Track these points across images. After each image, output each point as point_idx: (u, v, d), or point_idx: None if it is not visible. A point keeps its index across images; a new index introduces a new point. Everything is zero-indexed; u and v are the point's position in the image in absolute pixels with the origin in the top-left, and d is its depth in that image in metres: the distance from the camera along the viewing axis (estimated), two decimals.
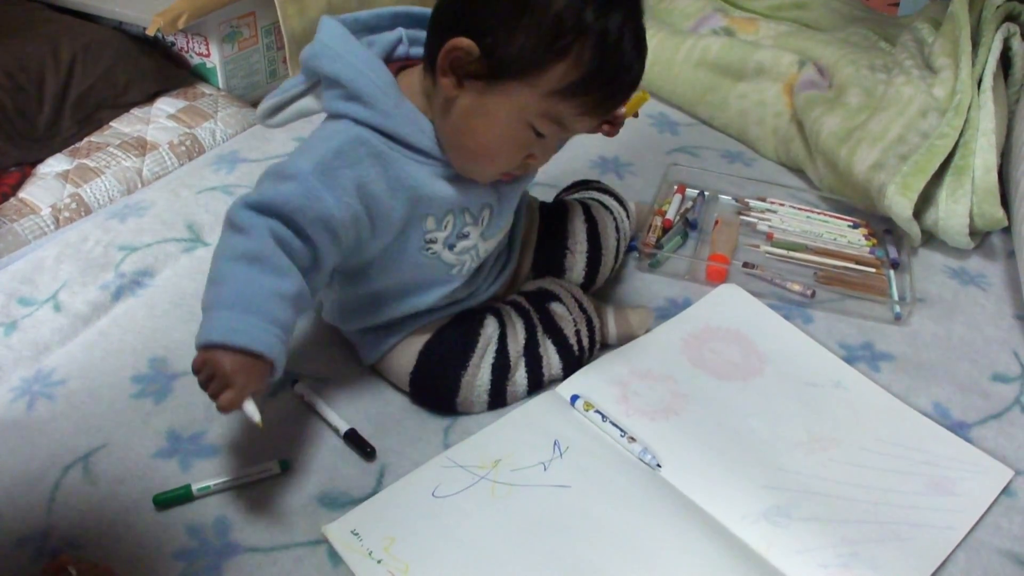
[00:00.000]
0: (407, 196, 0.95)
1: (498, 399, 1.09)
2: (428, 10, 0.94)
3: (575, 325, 1.12)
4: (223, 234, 0.92)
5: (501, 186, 1.01)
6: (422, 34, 0.96)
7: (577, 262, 1.20)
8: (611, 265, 1.23)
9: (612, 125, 1.07)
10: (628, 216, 1.28)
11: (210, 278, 0.90)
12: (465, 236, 1.02)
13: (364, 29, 0.98)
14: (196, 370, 0.88)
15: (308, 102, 0.99)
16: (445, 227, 1.00)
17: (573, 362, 1.13)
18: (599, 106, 0.90)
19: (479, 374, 1.07)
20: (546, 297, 1.14)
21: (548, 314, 1.12)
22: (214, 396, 0.87)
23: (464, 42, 0.85)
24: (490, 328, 1.08)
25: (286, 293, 0.89)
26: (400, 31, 0.99)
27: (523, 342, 1.09)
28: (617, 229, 1.23)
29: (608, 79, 0.88)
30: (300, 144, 0.95)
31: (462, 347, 1.07)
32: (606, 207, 1.24)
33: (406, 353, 1.08)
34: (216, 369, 0.86)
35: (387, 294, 1.05)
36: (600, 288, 1.27)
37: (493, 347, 1.07)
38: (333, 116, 0.94)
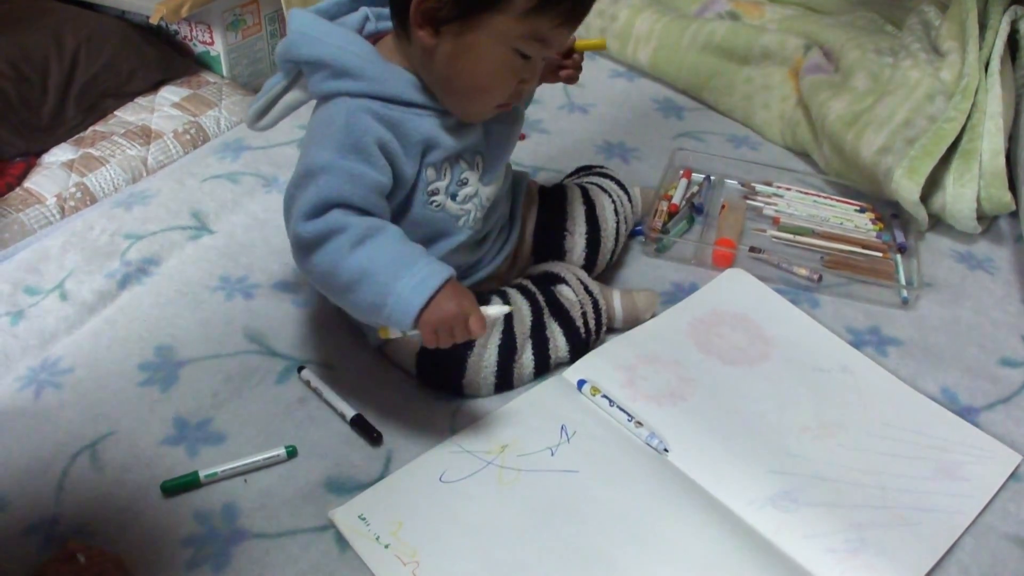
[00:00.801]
0: (416, 151, 0.97)
1: (505, 381, 1.09)
2: None
3: (581, 308, 1.12)
4: (313, 259, 0.93)
5: (490, 128, 1.03)
6: (385, 9, 0.99)
7: (577, 244, 1.20)
8: (611, 247, 1.23)
9: (572, 69, 1.11)
10: (630, 200, 1.29)
11: (355, 282, 0.91)
12: (464, 183, 1.02)
13: (328, 18, 0.99)
14: (434, 345, 0.92)
15: (294, 95, 1.01)
16: (444, 176, 1.00)
17: (580, 345, 1.12)
18: (575, 10, 0.92)
19: (485, 355, 1.07)
20: (552, 280, 1.14)
21: (554, 297, 1.12)
22: (466, 335, 0.92)
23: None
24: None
25: (398, 234, 0.93)
26: (364, 10, 1.01)
27: (529, 324, 1.09)
28: (616, 212, 1.23)
29: None
30: (304, 139, 0.97)
31: None
32: (604, 190, 1.25)
33: None
34: (444, 319, 0.90)
35: None
36: (606, 272, 1.27)
37: (499, 328, 1.07)
38: (324, 99, 0.96)
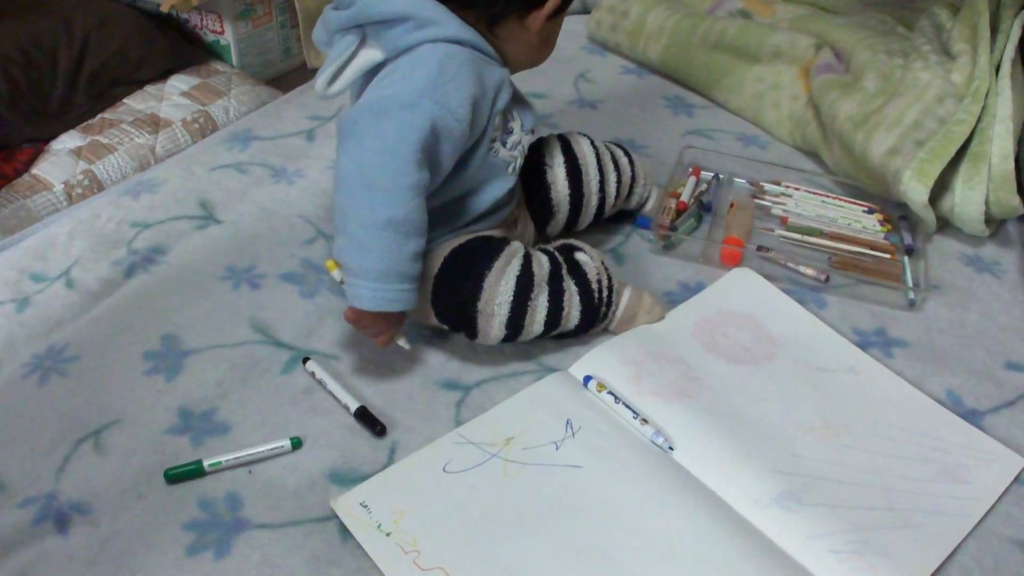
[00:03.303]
0: (493, 94, 1.05)
1: (516, 322, 1.08)
2: None
3: (598, 274, 1.13)
4: (355, 189, 0.99)
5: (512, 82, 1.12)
6: None
7: (557, 175, 1.23)
8: (594, 175, 1.25)
9: None
10: (627, 154, 1.32)
11: (352, 238, 0.99)
12: (511, 131, 1.11)
13: None
14: (351, 321, 1.05)
15: (365, 55, 1.05)
16: (499, 125, 1.09)
17: (592, 309, 1.12)
18: None
19: (503, 279, 1.06)
20: (571, 248, 1.17)
21: (572, 259, 1.14)
22: (371, 336, 1.07)
23: (555, 1, 1.05)
24: (515, 245, 1.11)
25: (420, 251, 1.02)
26: None
27: (548, 271, 1.10)
28: (594, 146, 1.27)
29: None
30: (388, 79, 1.02)
31: (488, 252, 1.08)
32: (582, 133, 1.30)
33: (433, 260, 1.09)
34: (368, 326, 1.05)
35: (455, 199, 1.11)
36: (613, 268, 1.26)
37: (519, 260, 1.08)
38: (405, 51, 1.02)
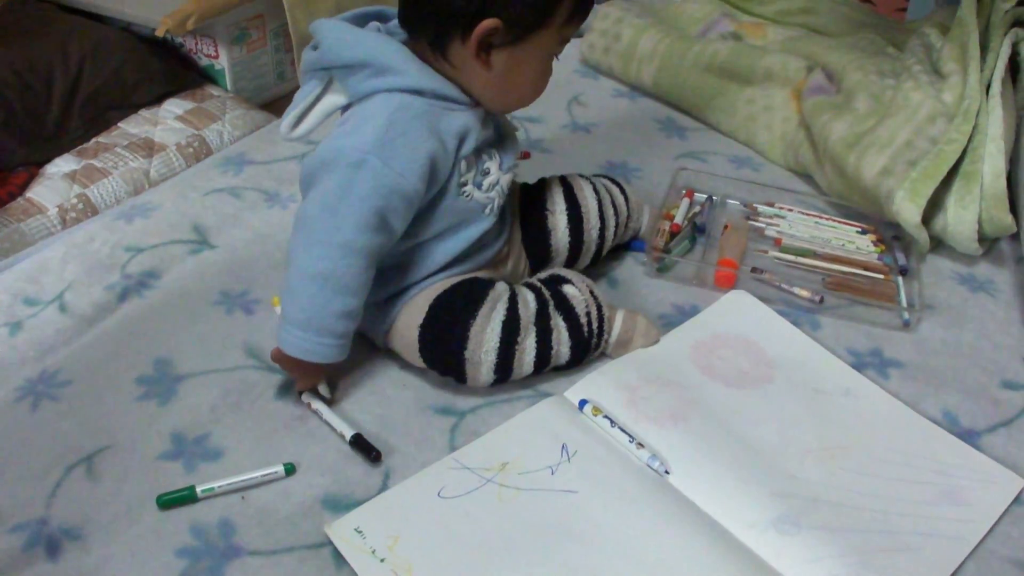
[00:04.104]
0: (454, 144, 1.04)
1: (505, 364, 1.08)
2: (393, 9, 1.06)
3: (586, 307, 1.12)
4: (300, 237, 1.01)
5: (497, 120, 1.13)
6: (392, 22, 1.07)
7: (559, 222, 1.23)
8: (595, 223, 1.25)
9: None
10: (623, 193, 1.31)
11: (288, 283, 1.02)
12: (487, 172, 1.10)
13: None
14: (275, 360, 1.08)
15: (329, 101, 1.05)
16: (471, 167, 1.08)
17: (582, 344, 1.12)
18: (589, 10, 1.05)
19: (489, 326, 1.06)
20: (558, 280, 1.16)
21: (560, 293, 1.13)
22: (293, 378, 1.10)
23: (491, 23, 0.97)
24: (500, 288, 1.10)
25: (349, 310, 1.02)
26: (373, 23, 1.07)
27: (534, 309, 1.10)
28: (596, 192, 1.26)
29: None
30: (340, 129, 1.02)
31: (473, 298, 1.08)
32: (583, 176, 1.29)
33: (418, 307, 1.09)
34: (289, 369, 1.08)
35: (428, 242, 1.09)
36: (607, 292, 1.27)
37: (504, 305, 1.08)
38: (363, 98, 1.02)
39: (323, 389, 1.10)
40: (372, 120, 0.99)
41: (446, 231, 1.09)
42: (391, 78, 1.00)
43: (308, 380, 1.09)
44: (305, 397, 1.09)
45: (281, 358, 1.06)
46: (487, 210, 1.11)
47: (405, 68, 1.00)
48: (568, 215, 1.23)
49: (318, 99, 1.05)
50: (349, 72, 1.02)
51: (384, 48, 1.01)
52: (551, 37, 1.02)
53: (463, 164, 1.06)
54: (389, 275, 1.09)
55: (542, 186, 1.26)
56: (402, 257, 1.09)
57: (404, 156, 0.99)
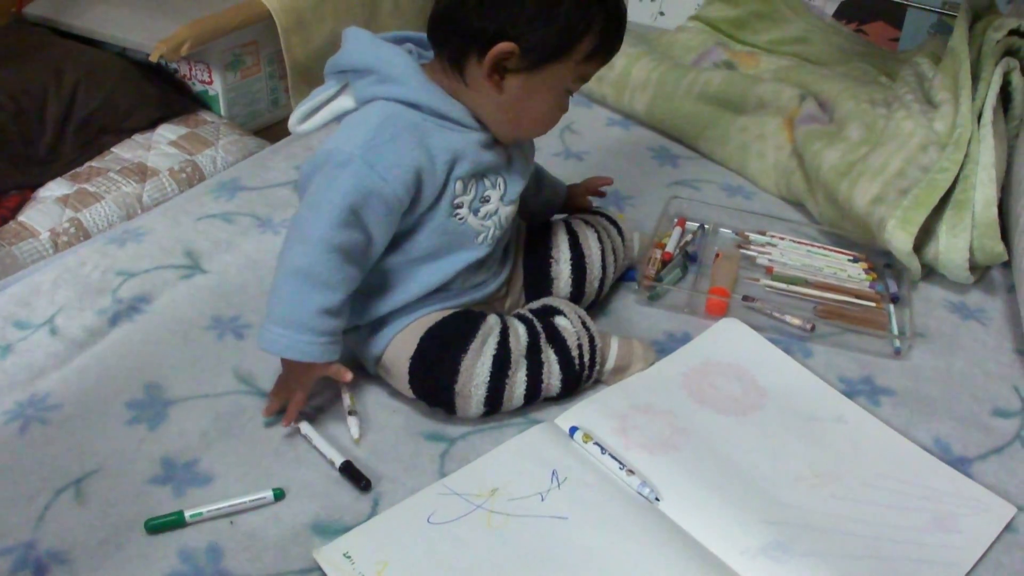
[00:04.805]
0: (444, 161, 1.04)
1: (495, 398, 1.08)
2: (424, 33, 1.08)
3: (578, 339, 1.12)
4: (288, 236, 1.03)
5: (512, 152, 1.13)
6: (428, 50, 1.09)
7: (562, 270, 1.22)
8: (598, 275, 1.25)
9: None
10: (621, 235, 1.31)
11: (274, 282, 1.03)
12: (487, 200, 1.10)
13: None
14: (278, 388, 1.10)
15: (341, 102, 1.07)
16: (469, 191, 1.08)
17: (573, 377, 1.12)
18: (611, 53, 1.07)
19: (479, 360, 1.06)
20: (550, 311, 1.15)
21: (552, 325, 1.13)
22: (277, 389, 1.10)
23: (507, 46, 0.99)
24: (491, 321, 1.10)
25: (329, 307, 1.01)
26: (408, 44, 1.10)
27: (525, 344, 1.09)
28: (600, 240, 1.26)
29: (616, 32, 1.05)
30: (336, 132, 1.04)
31: (464, 332, 1.08)
32: (588, 222, 1.28)
33: (409, 339, 1.09)
34: (280, 384, 1.09)
35: (416, 261, 1.09)
36: (598, 317, 1.26)
37: (495, 339, 1.08)
38: (366, 103, 1.04)
39: (305, 426, 1.08)
40: (364, 124, 1.02)
41: (435, 252, 1.09)
42: (392, 87, 1.02)
43: (292, 388, 1.07)
44: (295, 422, 1.09)
45: (280, 375, 1.09)
46: (480, 238, 1.10)
47: (406, 79, 1.02)
48: (572, 264, 1.23)
49: (333, 99, 1.07)
50: (358, 76, 1.04)
51: (391, 58, 1.03)
52: (568, 71, 1.03)
53: (457, 185, 1.06)
54: (376, 293, 1.09)
55: (547, 232, 1.26)
56: (389, 275, 1.09)
57: (388, 161, 1.00)
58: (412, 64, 1.04)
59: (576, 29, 1.00)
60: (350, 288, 1.03)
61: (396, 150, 1.01)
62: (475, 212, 1.09)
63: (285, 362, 1.06)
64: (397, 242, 1.07)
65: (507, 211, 1.12)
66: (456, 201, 1.06)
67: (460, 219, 1.08)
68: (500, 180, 1.11)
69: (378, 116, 1.02)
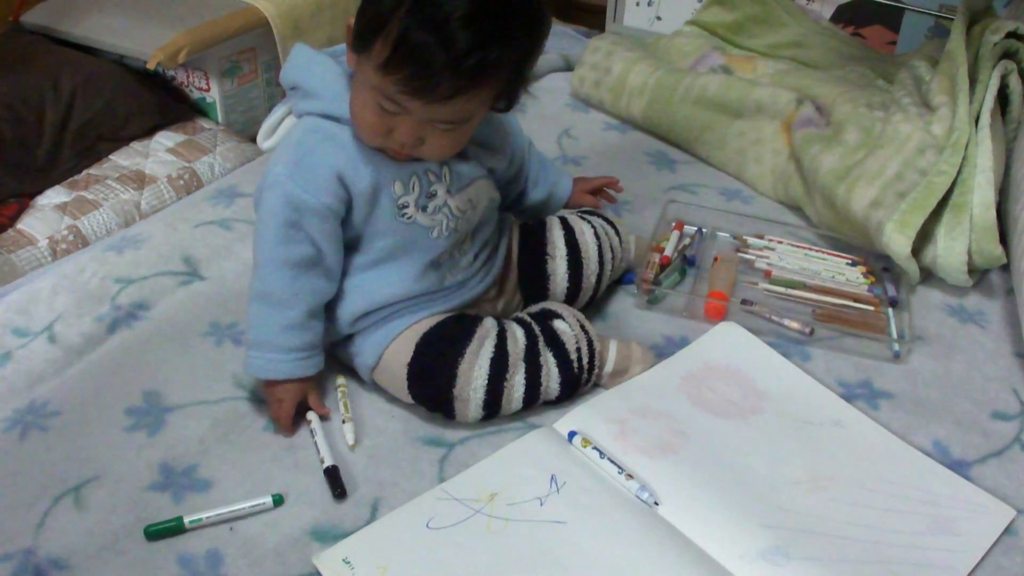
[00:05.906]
0: (368, 167, 1.04)
1: (493, 402, 1.08)
2: None
3: (576, 343, 1.12)
4: (253, 268, 1.07)
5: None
6: None
7: (558, 267, 1.22)
8: (595, 271, 1.25)
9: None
10: (618, 235, 1.30)
11: (247, 311, 1.08)
12: (433, 195, 1.09)
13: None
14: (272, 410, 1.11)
15: (291, 118, 1.11)
16: (412, 189, 1.07)
17: (572, 380, 1.12)
18: (412, 83, 0.93)
19: (477, 364, 1.06)
20: (549, 315, 1.15)
21: (550, 328, 1.13)
22: (273, 412, 1.11)
23: (351, 20, 0.98)
24: (488, 324, 1.10)
25: (291, 323, 1.05)
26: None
27: (523, 346, 1.09)
28: (597, 236, 1.25)
29: (417, 54, 0.91)
30: (273, 152, 1.08)
31: (460, 336, 1.08)
32: (584, 219, 1.27)
33: (405, 345, 1.09)
34: (268, 399, 1.10)
35: (380, 262, 1.09)
36: (596, 320, 1.26)
37: (492, 342, 1.08)
38: (300, 118, 1.07)
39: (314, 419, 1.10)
40: (288, 143, 1.05)
41: (392, 253, 1.09)
42: (314, 102, 1.05)
43: (279, 409, 1.09)
44: (310, 414, 1.10)
45: (267, 391, 1.11)
46: (435, 232, 1.10)
47: (324, 93, 1.04)
48: (568, 260, 1.22)
49: (288, 113, 1.12)
50: (292, 93, 1.07)
51: (316, 72, 1.05)
52: (369, 71, 0.95)
53: (396, 186, 1.05)
54: (346, 301, 1.10)
55: (542, 229, 1.25)
56: (354, 281, 1.10)
57: (308, 174, 1.02)
58: (333, 73, 1.05)
59: (374, 21, 0.93)
60: (313, 301, 1.06)
61: (313, 163, 1.02)
62: (423, 209, 1.08)
63: (265, 383, 1.09)
64: (354, 248, 1.09)
65: (455, 201, 1.10)
66: (400, 201, 1.06)
67: (408, 218, 1.08)
68: (444, 171, 1.09)
69: (299, 133, 1.05)
